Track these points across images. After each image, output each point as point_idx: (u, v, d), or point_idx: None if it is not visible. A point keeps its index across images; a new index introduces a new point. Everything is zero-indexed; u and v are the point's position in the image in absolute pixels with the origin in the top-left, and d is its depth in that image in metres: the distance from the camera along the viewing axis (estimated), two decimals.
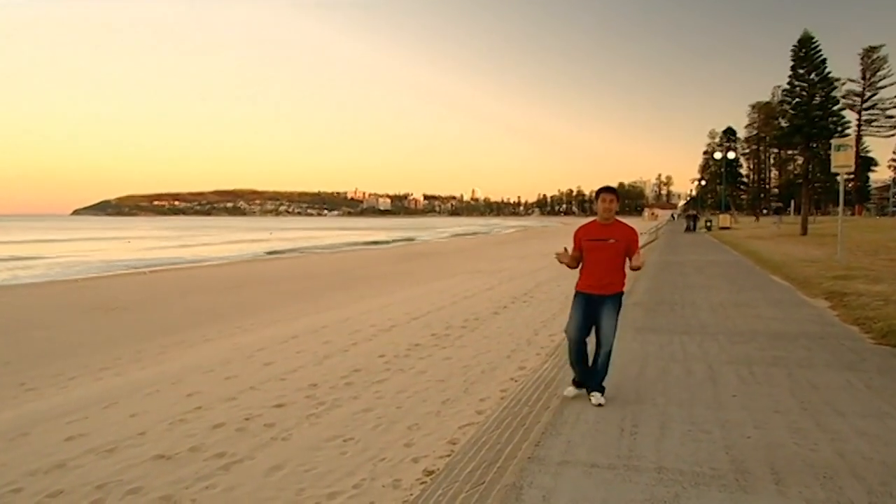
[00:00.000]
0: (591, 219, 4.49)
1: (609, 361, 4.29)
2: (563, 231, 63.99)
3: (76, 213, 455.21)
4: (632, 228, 4.31)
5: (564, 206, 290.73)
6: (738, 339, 6.29)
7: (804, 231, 30.17)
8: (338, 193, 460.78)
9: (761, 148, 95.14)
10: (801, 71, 31.35)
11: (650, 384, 4.75)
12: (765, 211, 74.14)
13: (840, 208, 14.90)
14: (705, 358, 5.56)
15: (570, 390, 4.49)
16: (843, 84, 50.76)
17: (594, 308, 4.22)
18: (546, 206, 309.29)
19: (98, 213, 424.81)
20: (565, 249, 4.41)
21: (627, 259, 4.25)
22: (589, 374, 4.34)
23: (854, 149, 13.28)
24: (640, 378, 4.93)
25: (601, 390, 4.29)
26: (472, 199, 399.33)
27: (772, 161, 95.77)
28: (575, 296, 4.35)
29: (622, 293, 4.28)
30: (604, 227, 4.28)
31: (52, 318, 12.51)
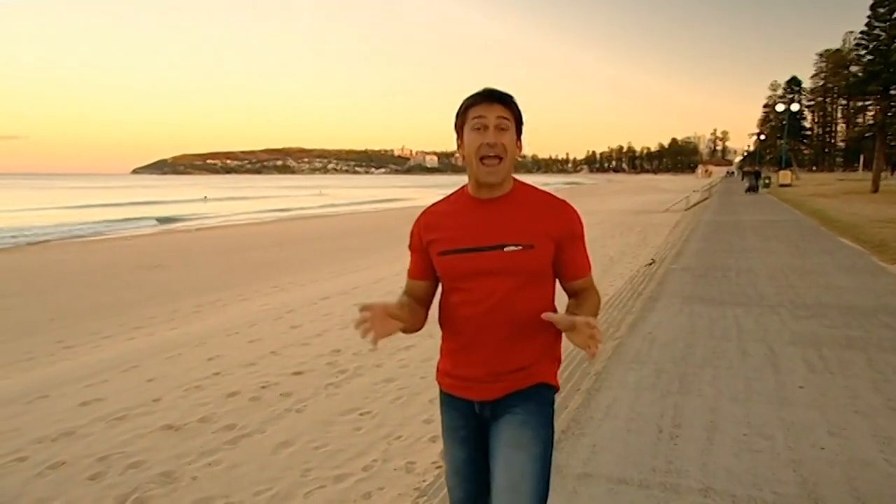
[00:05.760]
0: (455, 188, 1.80)
1: None
2: (606, 189, 62.31)
3: (135, 171, 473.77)
4: (563, 206, 1.70)
5: (614, 162, 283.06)
6: (804, 314, 5.61)
7: (875, 188, 28.12)
8: (385, 151, 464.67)
9: (828, 100, 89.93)
10: (882, 10, 28.68)
11: (697, 369, 4.17)
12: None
13: None
14: (764, 336, 4.92)
15: None
16: None
17: (483, 433, 1.72)
18: (595, 163, 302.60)
19: (155, 171, 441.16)
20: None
21: (561, 285, 1.74)
22: None
23: None
24: (685, 361, 4.35)
25: None
26: (519, 155, 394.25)
27: (839, 114, 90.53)
28: (441, 402, 1.82)
29: (553, 388, 1.72)
30: (483, 209, 1.68)
31: (98, 275, 12.77)
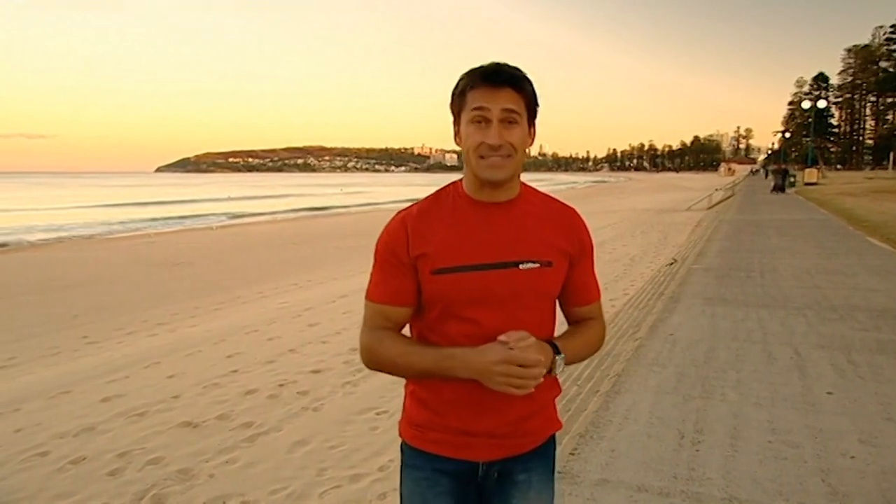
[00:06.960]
0: (443, 184, 1.37)
1: None
2: (627, 188, 61.74)
3: (159, 170, 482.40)
4: (574, 215, 1.37)
5: (635, 161, 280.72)
6: (831, 316, 5.47)
7: None
8: (405, 149, 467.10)
9: (856, 96, 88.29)
10: None
11: (720, 373, 4.06)
12: None
13: None
14: (790, 339, 4.80)
15: None
16: None
17: (473, 499, 1.38)
18: (616, 162, 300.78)
19: (178, 169, 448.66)
20: None
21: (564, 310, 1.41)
22: None
23: None
24: (707, 364, 4.25)
25: None
26: (539, 154, 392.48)
27: (868, 111, 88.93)
28: (404, 464, 1.49)
29: (553, 437, 1.44)
30: (488, 215, 1.29)
31: (121, 272, 12.97)
